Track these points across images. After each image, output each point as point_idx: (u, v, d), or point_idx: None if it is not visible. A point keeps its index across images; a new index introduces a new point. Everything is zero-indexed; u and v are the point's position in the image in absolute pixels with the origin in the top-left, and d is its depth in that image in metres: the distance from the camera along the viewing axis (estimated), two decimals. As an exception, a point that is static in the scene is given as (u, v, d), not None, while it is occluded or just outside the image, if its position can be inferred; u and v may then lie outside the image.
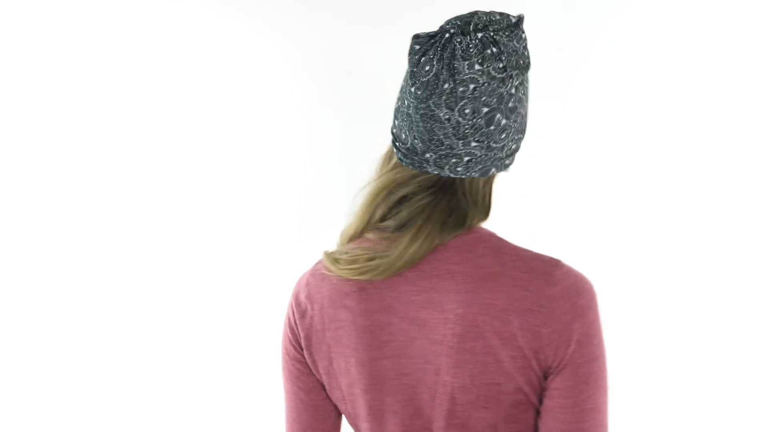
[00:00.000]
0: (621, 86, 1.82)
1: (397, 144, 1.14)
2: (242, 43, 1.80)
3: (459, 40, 1.05)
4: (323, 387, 1.22)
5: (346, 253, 1.14)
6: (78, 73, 1.79)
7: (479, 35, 1.04)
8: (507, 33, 1.05)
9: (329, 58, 1.80)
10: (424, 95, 1.07)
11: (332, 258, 1.15)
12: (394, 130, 1.15)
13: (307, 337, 1.18)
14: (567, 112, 1.83)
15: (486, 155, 1.09)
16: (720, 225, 1.84)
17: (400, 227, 1.12)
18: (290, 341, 1.22)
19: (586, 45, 1.81)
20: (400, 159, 1.13)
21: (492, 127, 1.07)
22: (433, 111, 1.07)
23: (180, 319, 1.91)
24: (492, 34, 1.05)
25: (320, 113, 1.84)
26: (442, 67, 1.05)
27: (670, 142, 1.84)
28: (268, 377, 1.87)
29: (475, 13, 1.08)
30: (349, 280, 1.13)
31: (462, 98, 1.05)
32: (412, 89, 1.08)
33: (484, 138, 1.08)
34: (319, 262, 1.22)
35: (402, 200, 1.13)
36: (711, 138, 1.82)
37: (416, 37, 1.08)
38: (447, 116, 1.06)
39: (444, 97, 1.06)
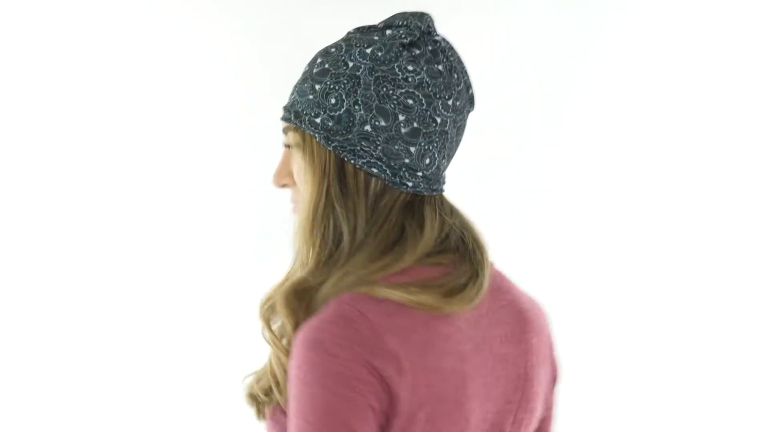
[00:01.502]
0: (620, 85, 1.82)
1: (417, 175, 0.97)
2: (188, 25, 1.69)
3: (438, 38, 0.99)
4: None
5: (425, 284, 0.92)
6: (41, 71, 1.75)
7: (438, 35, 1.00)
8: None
9: (285, 44, 1.72)
10: (460, 105, 0.99)
11: (410, 290, 0.90)
12: (407, 161, 0.96)
13: (409, 401, 0.88)
14: (565, 111, 1.82)
15: None
16: (721, 224, 1.84)
17: (451, 251, 0.98)
18: (373, 418, 0.87)
19: (584, 44, 1.80)
20: (418, 191, 0.97)
21: None
22: (465, 118, 1.01)
23: (144, 324, 1.88)
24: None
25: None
26: (452, 67, 0.98)
27: (669, 140, 1.83)
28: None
29: (402, 14, 0.99)
30: (449, 316, 0.93)
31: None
32: (449, 102, 0.96)
33: None
34: (377, 299, 0.90)
35: (420, 221, 0.97)
36: (711, 136, 1.82)
37: (409, 45, 0.96)
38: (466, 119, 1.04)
39: (468, 99, 1.02)
